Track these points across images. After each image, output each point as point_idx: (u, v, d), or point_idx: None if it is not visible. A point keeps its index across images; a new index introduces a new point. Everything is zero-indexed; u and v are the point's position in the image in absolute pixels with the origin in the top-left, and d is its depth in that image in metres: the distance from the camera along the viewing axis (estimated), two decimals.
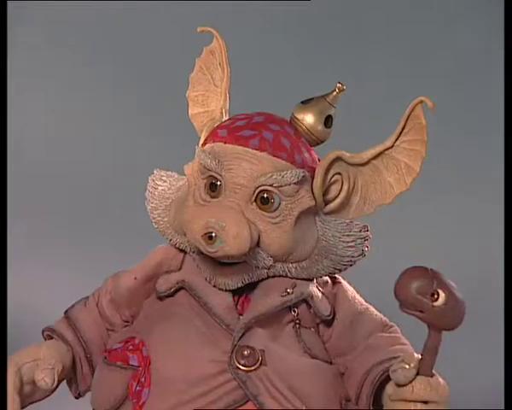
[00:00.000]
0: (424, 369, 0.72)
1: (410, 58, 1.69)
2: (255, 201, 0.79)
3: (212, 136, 0.83)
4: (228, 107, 0.87)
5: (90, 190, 1.66)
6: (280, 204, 0.79)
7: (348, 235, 0.82)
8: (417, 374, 0.72)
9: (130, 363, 0.80)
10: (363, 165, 0.83)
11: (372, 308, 0.86)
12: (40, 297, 1.46)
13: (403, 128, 0.82)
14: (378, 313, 0.86)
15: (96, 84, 1.72)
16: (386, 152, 0.83)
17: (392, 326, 0.85)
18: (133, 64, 1.73)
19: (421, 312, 0.70)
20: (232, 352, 0.78)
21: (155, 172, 0.87)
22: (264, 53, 1.71)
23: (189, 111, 0.89)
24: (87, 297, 0.89)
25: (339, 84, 0.85)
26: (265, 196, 0.79)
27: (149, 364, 0.79)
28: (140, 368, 0.79)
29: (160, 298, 0.84)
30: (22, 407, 0.81)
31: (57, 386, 0.83)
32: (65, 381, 0.86)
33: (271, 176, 0.79)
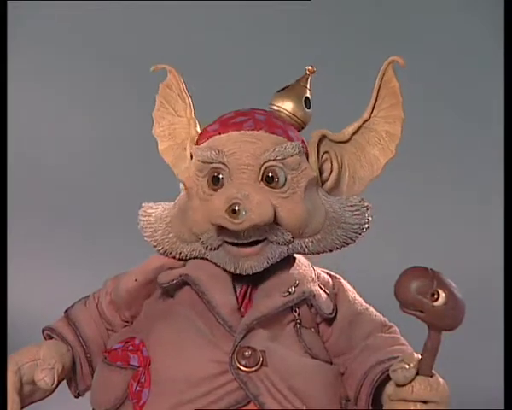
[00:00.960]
0: (424, 369, 0.72)
1: (411, 58, 1.69)
2: (262, 179, 0.80)
3: (204, 135, 0.84)
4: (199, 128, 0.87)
5: (90, 190, 1.66)
6: (286, 179, 0.80)
7: (351, 205, 0.83)
8: (417, 374, 0.73)
9: (131, 363, 0.80)
10: (345, 142, 0.85)
11: (372, 309, 0.86)
12: (40, 297, 1.46)
13: (377, 97, 0.84)
14: (377, 314, 0.86)
15: (95, 84, 1.72)
16: (365, 125, 0.85)
17: (391, 327, 0.85)
18: (134, 64, 1.73)
19: (422, 312, 0.70)
20: (233, 353, 0.78)
21: (143, 205, 0.86)
22: (265, 52, 1.71)
23: (159, 147, 0.90)
24: (87, 297, 0.89)
25: (309, 67, 0.87)
26: (270, 174, 0.80)
27: (149, 364, 0.79)
28: (140, 368, 0.79)
29: (162, 296, 0.84)
30: (22, 407, 0.81)
31: (57, 386, 0.83)
32: (65, 380, 0.86)
33: (274, 149, 0.80)
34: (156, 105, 0.91)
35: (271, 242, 0.80)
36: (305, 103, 0.86)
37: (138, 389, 0.79)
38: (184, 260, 0.85)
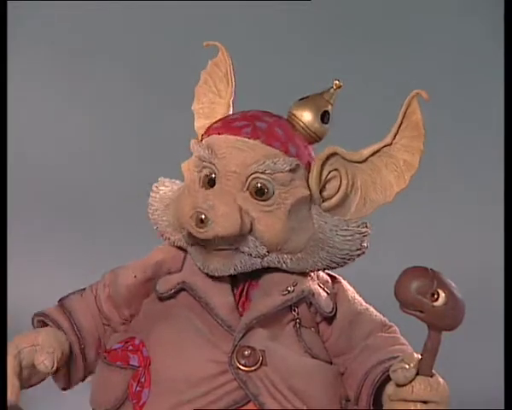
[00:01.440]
0: (424, 369, 0.72)
1: (410, 58, 1.69)
2: (248, 189, 0.79)
3: (208, 130, 0.84)
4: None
5: (90, 189, 1.66)
6: (274, 193, 0.79)
7: (346, 229, 0.81)
8: (417, 374, 0.73)
9: (131, 363, 0.80)
10: (361, 162, 0.83)
11: (372, 309, 0.86)
12: (40, 297, 1.46)
13: (400, 125, 0.82)
14: (377, 314, 0.86)
15: (96, 84, 1.72)
16: (385, 149, 0.83)
17: (391, 326, 0.85)
18: (134, 64, 1.73)
19: (421, 312, 0.70)
20: (233, 352, 0.78)
21: (159, 179, 0.87)
22: (265, 52, 1.71)
23: (195, 124, 0.89)
24: (83, 289, 0.88)
25: (336, 81, 0.85)
26: (259, 185, 0.79)
27: (149, 364, 0.79)
28: (140, 368, 0.79)
29: (161, 299, 0.84)
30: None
31: (56, 371, 0.82)
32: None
33: (264, 162, 0.79)
34: (200, 81, 0.90)
35: (242, 252, 0.80)
36: (323, 117, 0.84)
37: (138, 389, 0.78)
38: (178, 247, 0.85)
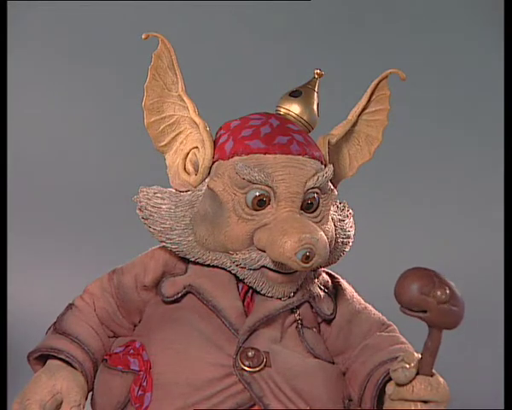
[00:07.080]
0: (424, 368, 0.72)
1: (410, 59, 1.70)
2: (302, 207, 0.80)
3: (241, 147, 0.80)
4: (195, 108, 0.83)
5: (89, 189, 1.66)
6: (319, 202, 0.80)
7: (347, 216, 0.85)
8: (417, 374, 0.72)
9: (131, 367, 0.79)
10: (333, 145, 0.85)
11: (370, 307, 0.86)
12: (40, 297, 1.46)
13: (367, 102, 0.85)
14: (376, 312, 0.86)
15: (95, 84, 1.72)
16: (351, 128, 0.86)
17: (390, 325, 0.85)
18: (134, 63, 1.73)
19: (425, 312, 0.69)
20: (237, 354, 0.78)
21: (143, 189, 0.83)
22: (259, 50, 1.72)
23: (145, 120, 0.85)
24: (70, 305, 0.85)
25: (317, 70, 0.86)
26: (311, 200, 0.80)
27: (150, 368, 0.78)
28: (141, 372, 0.78)
29: (165, 302, 0.83)
30: None
31: None
32: None
33: (318, 178, 0.79)
34: (148, 77, 0.85)
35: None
36: (316, 108, 0.85)
37: (140, 393, 0.78)
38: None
